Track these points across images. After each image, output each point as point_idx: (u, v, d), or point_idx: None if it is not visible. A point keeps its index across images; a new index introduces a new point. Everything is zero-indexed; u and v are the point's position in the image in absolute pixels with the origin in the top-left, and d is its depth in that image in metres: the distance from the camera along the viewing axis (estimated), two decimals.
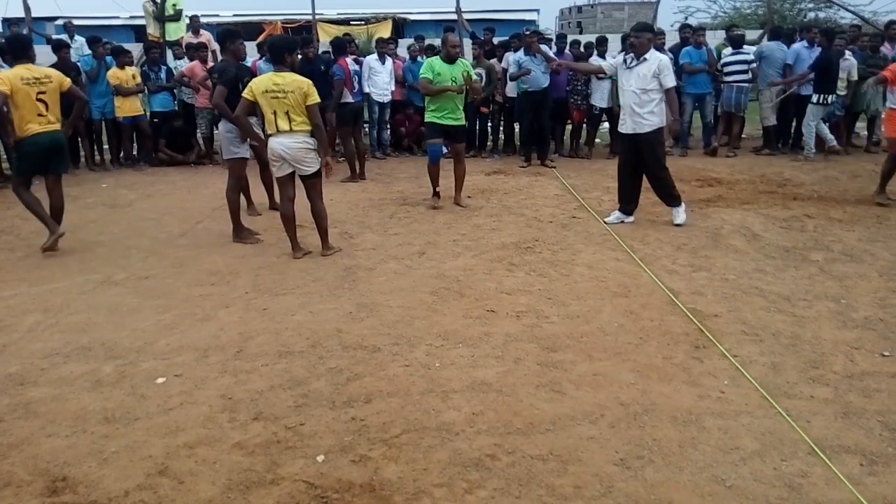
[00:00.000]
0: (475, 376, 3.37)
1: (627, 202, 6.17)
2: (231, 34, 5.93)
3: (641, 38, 5.75)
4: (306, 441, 2.85)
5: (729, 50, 9.73)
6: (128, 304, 4.38)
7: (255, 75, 6.81)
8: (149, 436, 2.89)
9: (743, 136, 10.61)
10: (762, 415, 3.01)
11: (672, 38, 11.17)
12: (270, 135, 5.15)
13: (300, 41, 9.04)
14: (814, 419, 2.97)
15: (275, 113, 5.04)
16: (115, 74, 8.97)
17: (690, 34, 9.81)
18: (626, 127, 5.94)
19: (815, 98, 8.95)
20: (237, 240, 5.76)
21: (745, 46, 9.73)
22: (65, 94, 5.46)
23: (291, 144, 5.09)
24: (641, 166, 6.03)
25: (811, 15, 23.12)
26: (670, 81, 5.76)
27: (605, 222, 6.08)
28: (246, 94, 5.10)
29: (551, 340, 3.76)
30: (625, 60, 5.88)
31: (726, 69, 9.55)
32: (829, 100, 8.87)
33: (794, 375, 3.36)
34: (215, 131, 9.38)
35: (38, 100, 5.27)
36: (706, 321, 3.98)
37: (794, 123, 9.80)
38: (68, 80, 5.58)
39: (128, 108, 9.03)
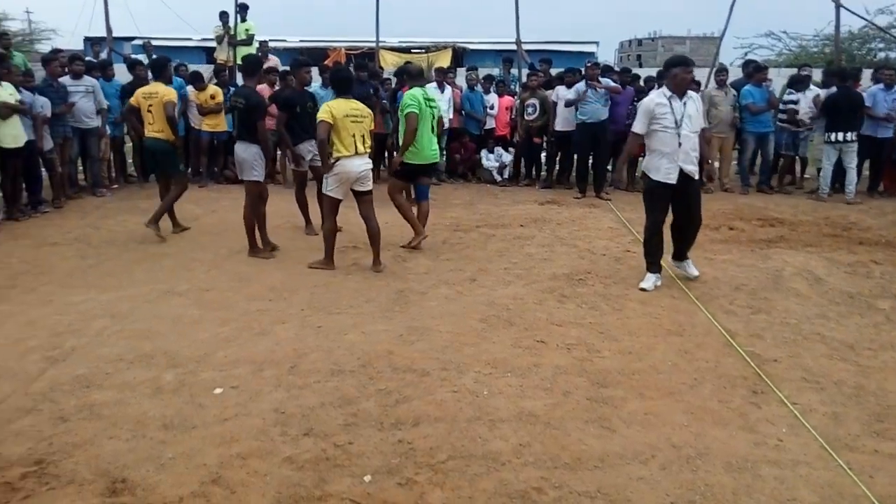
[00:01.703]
0: (523, 407, 3.36)
1: (658, 261, 5.35)
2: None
3: (692, 74, 5.23)
4: (354, 460, 2.88)
5: (788, 91, 9.62)
6: (190, 315, 4.53)
7: (315, 100, 7.11)
8: (204, 444, 2.98)
9: (806, 176, 10.37)
10: (821, 467, 2.90)
11: (734, 74, 11.04)
12: (344, 157, 5.39)
13: (354, 66, 9.52)
14: (877, 475, 2.85)
15: (353, 136, 5.39)
16: (195, 95, 9.41)
17: (753, 72, 9.67)
18: (674, 176, 5.04)
19: (826, 137, 8.82)
20: (252, 254, 6.01)
21: (811, 87, 9.55)
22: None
23: (364, 166, 5.54)
24: (679, 216, 5.29)
25: (881, 55, 22.52)
26: (705, 121, 5.42)
27: (641, 288, 5.21)
28: (325, 117, 5.30)
29: (602, 375, 3.72)
30: (669, 101, 5.02)
31: (781, 108, 9.43)
32: (838, 137, 8.70)
33: (857, 427, 3.23)
34: (277, 152, 9.71)
35: (148, 111, 6.40)
36: (764, 366, 3.88)
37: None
38: (170, 97, 6.38)
39: (208, 124, 9.44)
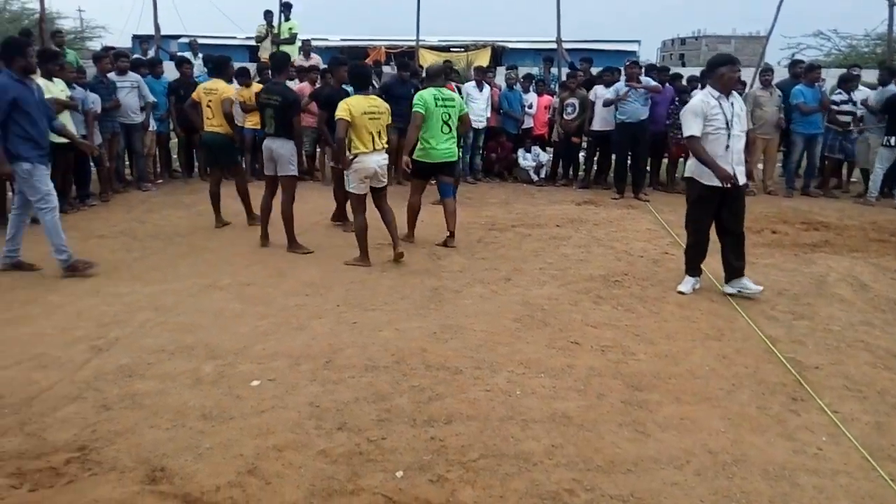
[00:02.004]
0: (556, 408, 3.34)
1: (699, 265, 5.24)
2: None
3: (739, 72, 4.99)
4: (387, 455, 2.91)
5: (837, 90, 9.36)
6: (230, 309, 4.63)
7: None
8: (241, 435, 3.04)
9: (853, 180, 10.08)
10: (862, 477, 2.83)
11: (781, 74, 10.79)
12: (362, 153, 5.48)
13: (397, 65, 9.57)
14: None
15: (371, 133, 5.47)
16: (239, 93, 9.57)
17: (803, 72, 9.42)
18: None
19: (884, 140, 8.55)
20: (291, 249, 6.11)
21: (861, 88, 9.28)
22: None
23: (382, 161, 5.64)
24: (726, 222, 5.03)
25: None
26: (749, 121, 5.25)
27: (679, 291, 5.13)
28: (343, 115, 5.40)
29: (637, 378, 3.68)
30: (718, 101, 4.83)
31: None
32: None
33: None
34: (317, 150, 9.84)
35: (207, 106, 6.68)
36: (805, 372, 3.79)
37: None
38: (229, 94, 6.65)
39: (250, 122, 9.61)
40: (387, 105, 5.73)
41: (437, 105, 6.09)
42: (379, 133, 5.56)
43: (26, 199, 5.22)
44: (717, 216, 5.05)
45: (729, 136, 4.81)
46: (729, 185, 4.78)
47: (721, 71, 4.85)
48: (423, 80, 10.02)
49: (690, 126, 4.84)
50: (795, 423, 3.26)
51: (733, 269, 5.05)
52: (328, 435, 3.06)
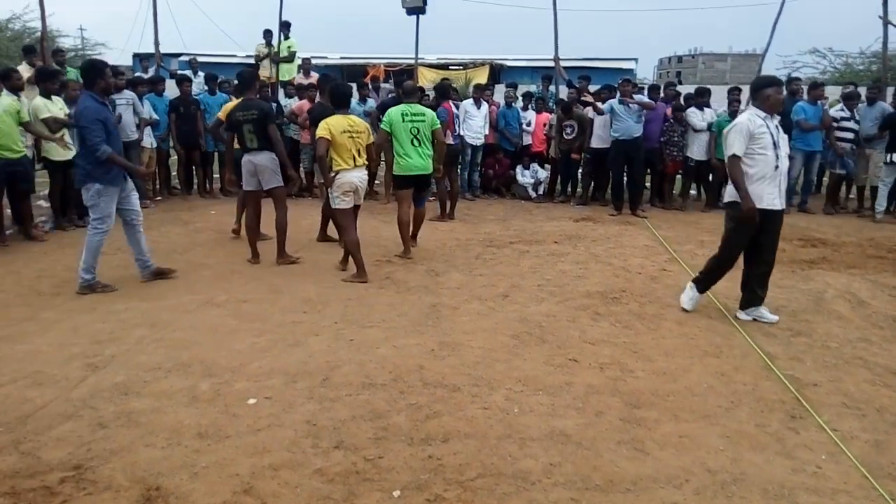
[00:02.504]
0: (554, 426, 3.33)
1: (710, 285, 5.17)
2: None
3: (783, 93, 4.88)
4: (384, 475, 2.89)
5: (839, 107, 9.44)
6: (227, 326, 4.62)
7: None
8: (237, 454, 3.02)
9: (851, 196, 10.12)
10: (862, 496, 2.81)
11: None
12: (344, 170, 5.66)
13: (396, 82, 9.69)
14: None
15: (351, 151, 5.65)
16: None
17: (802, 89, 9.52)
18: (778, 201, 4.73)
19: (885, 158, 8.63)
20: (281, 261, 6.21)
21: (859, 105, 9.38)
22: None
23: (363, 177, 5.89)
24: (763, 249, 4.90)
25: None
26: None
27: (683, 308, 5.12)
28: (324, 133, 5.55)
29: (635, 396, 3.67)
30: (765, 121, 4.69)
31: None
32: None
33: None
34: (315, 166, 9.87)
35: None
36: (804, 390, 3.78)
37: None
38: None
39: None
40: (366, 124, 5.93)
41: (404, 120, 6.26)
42: (359, 151, 5.71)
43: (124, 218, 5.46)
44: (752, 243, 4.90)
45: (777, 156, 4.70)
46: (764, 212, 4.69)
47: (767, 92, 4.73)
48: (421, 98, 10.15)
49: (734, 145, 4.69)
50: (794, 441, 3.24)
51: (756, 297, 4.93)
52: (325, 454, 3.04)
